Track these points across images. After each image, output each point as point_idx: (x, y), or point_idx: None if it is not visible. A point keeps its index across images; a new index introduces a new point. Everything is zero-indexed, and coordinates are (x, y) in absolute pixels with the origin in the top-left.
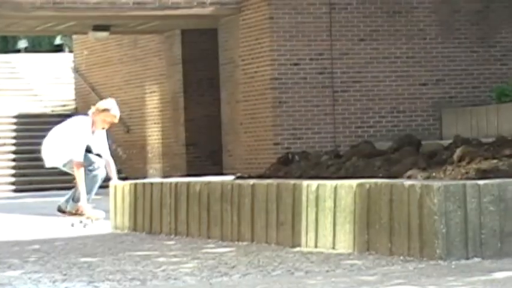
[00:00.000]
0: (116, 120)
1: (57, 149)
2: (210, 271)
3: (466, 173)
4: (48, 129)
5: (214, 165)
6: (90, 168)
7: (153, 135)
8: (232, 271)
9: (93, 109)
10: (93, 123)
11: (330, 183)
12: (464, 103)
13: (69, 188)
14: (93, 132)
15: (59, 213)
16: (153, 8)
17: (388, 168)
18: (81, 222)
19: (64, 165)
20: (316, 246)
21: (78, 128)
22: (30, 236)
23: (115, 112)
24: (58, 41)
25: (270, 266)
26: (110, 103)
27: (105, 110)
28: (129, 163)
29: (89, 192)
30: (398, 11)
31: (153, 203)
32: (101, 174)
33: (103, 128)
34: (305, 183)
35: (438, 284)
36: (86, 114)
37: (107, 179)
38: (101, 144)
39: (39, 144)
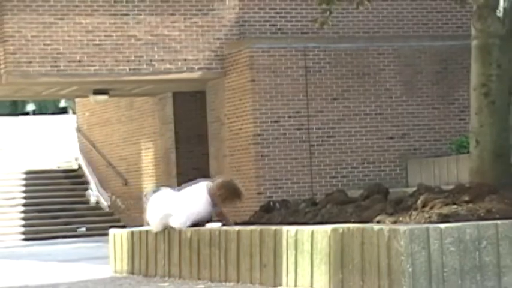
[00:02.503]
0: None
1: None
2: None
3: (429, 217)
4: (54, 184)
5: None
6: None
7: (149, 187)
8: None
9: (218, 186)
10: (212, 200)
11: (307, 229)
12: (428, 154)
13: (73, 236)
14: (207, 207)
15: None
16: (147, 73)
17: (359, 214)
18: None
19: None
20: (295, 285)
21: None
22: (37, 281)
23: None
24: (62, 104)
25: None
26: (239, 188)
27: (237, 196)
28: (127, 213)
29: None
30: (367, 73)
31: (149, 249)
32: None
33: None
34: (285, 228)
35: None
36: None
37: None
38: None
39: (46, 197)
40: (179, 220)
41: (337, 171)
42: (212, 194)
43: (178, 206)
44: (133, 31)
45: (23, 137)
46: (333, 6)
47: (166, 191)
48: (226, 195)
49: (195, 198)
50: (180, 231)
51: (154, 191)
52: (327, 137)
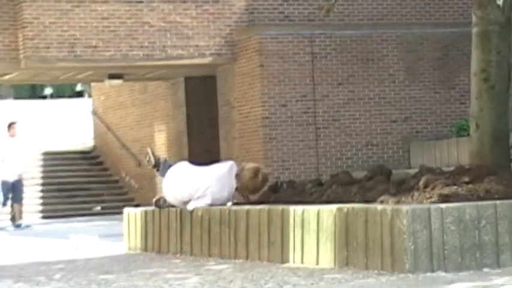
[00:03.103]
0: None
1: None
2: (211, 285)
3: (430, 197)
4: (71, 164)
5: None
6: None
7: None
8: (230, 285)
9: (249, 172)
10: (238, 182)
11: (313, 208)
12: (429, 137)
13: (91, 215)
14: (232, 188)
15: None
16: (160, 58)
17: (363, 194)
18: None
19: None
20: (302, 262)
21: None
22: (56, 257)
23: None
24: (79, 88)
25: (262, 280)
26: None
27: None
28: (140, 192)
29: None
30: (371, 58)
31: (162, 227)
32: None
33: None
34: (292, 208)
35: None
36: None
37: None
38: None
39: (63, 177)
40: (203, 203)
41: (342, 153)
42: (242, 181)
43: (205, 188)
44: (147, 18)
45: (41, 120)
46: None
47: (185, 167)
48: (256, 186)
49: (224, 182)
50: (191, 211)
51: (165, 162)
52: (333, 120)
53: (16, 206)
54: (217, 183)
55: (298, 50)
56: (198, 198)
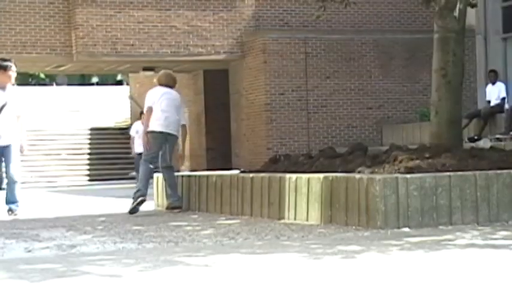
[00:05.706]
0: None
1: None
2: (222, 236)
3: (398, 169)
4: (112, 138)
5: (226, 163)
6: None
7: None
8: (237, 236)
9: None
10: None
11: (305, 176)
12: (398, 121)
13: (127, 179)
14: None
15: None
16: (184, 55)
17: (345, 166)
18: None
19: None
20: (295, 219)
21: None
22: (99, 211)
23: None
24: (119, 77)
25: (263, 233)
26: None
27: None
28: None
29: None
30: (353, 58)
31: (183, 189)
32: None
33: None
34: (288, 176)
35: (378, 245)
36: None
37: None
38: None
39: (105, 148)
40: None
41: (328, 133)
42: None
43: None
44: (174, 22)
45: (89, 102)
46: (326, 3)
47: None
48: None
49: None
50: (207, 176)
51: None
52: (321, 106)
53: None
54: None
55: (295, 50)
56: None
